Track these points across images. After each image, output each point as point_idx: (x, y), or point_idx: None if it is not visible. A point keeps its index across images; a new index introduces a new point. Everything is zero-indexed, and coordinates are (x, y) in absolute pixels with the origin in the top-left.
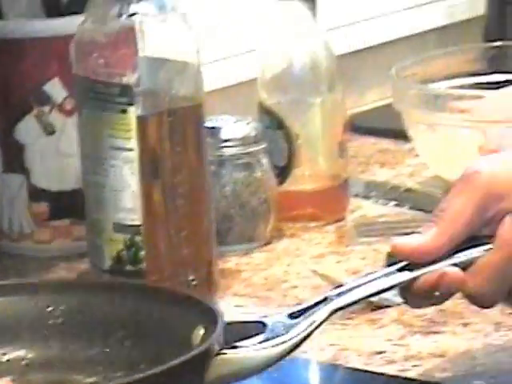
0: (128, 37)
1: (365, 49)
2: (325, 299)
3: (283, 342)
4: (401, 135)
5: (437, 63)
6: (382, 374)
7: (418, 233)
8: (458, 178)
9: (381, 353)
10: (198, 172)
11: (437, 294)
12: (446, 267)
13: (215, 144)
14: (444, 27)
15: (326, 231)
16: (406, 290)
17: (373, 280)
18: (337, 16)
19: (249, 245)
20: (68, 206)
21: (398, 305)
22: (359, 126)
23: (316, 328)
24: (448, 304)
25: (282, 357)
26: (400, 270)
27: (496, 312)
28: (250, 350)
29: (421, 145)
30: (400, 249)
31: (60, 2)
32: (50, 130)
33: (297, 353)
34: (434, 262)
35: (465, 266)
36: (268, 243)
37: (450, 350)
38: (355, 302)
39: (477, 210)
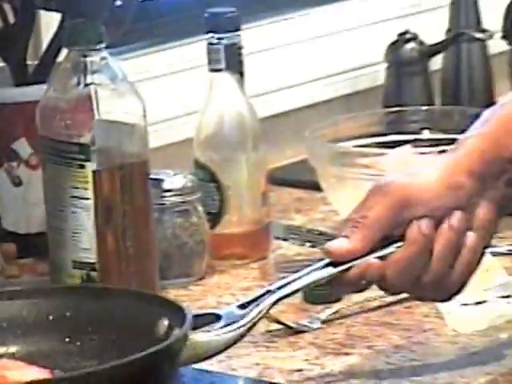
0: (85, 103)
1: (283, 113)
2: (268, 292)
3: (239, 327)
4: (314, 186)
5: (344, 126)
6: None
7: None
8: (372, 188)
9: (299, 370)
10: (144, 217)
11: (363, 282)
12: (370, 259)
13: (158, 194)
14: (349, 95)
15: (251, 268)
16: (336, 280)
17: (305, 274)
18: (260, 85)
19: (186, 279)
20: (33, 246)
21: (314, 330)
22: (279, 179)
23: (264, 315)
24: (355, 329)
25: (239, 339)
26: (325, 266)
27: (396, 336)
28: (214, 335)
29: (331, 194)
30: (334, 251)
31: (27, 73)
32: (17, 182)
33: (228, 370)
34: (356, 258)
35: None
36: (203, 278)
37: (357, 369)
38: (293, 293)
39: (391, 216)
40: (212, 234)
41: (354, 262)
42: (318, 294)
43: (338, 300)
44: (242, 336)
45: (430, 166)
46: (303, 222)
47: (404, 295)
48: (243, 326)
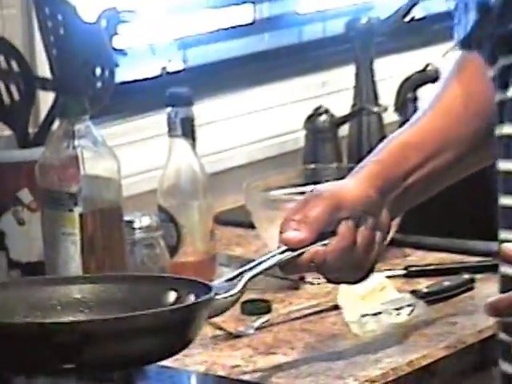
0: (73, 162)
1: (227, 169)
2: (243, 272)
3: (235, 294)
4: (250, 225)
5: (273, 179)
6: (240, 381)
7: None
8: (307, 196)
9: (237, 366)
10: (119, 249)
11: (312, 264)
12: (318, 246)
13: (130, 231)
14: (277, 155)
15: None
16: (292, 263)
17: (270, 258)
18: (209, 147)
19: None
20: (34, 272)
21: (249, 335)
22: (223, 220)
23: (245, 285)
24: (281, 335)
25: (235, 302)
26: (283, 252)
27: (313, 340)
28: (221, 298)
29: (263, 232)
30: (291, 239)
31: (28, 138)
32: (21, 222)
33: (182, 367)
34: (306, 246)
35: None
36: None
37: (282, 365)
38: (264, 271)
39: (326, 216)
40: (171, 262)
41: (305, 249)
42: (252, 308)
43: (268, 312)
44: (237, 299)
45: (350, 180)
46: (242, 252)
47: (320, 308)
48: (236, 293)
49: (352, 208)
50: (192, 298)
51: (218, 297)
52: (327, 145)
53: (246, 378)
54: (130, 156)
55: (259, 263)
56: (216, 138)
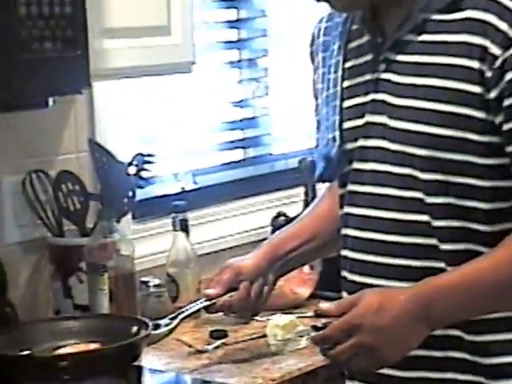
0: (107, 246)
1: (212, 252)
2: (178, 314)
3: (167, 329)
4: None
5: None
6: (202, 380)
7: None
8: (224, 266)
9: (198, 369)
10: (132, 299)
11: (223, 308)
12: (226, 297)
13: (146, 287)
14: (250, 243)
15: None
16: (209, 308)
17: (195, 305)
18: (200, 237)
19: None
20: (86, 311)
21: (210, 351)
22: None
23: (179, 323)
24: (230, 350)
25: (168, 334)
26: (203, 302)
27: (247, 354)
28: (156, 332)
29: None
30: (209, 294)
31: (85, 231)
32: (81, 281)
33: (169, 369)
34: (219, 296)
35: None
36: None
37: (229, 371)
38: (191, 314)
39: (231, 279)
40: (172, 306)
41: (217, 299)
42: (216, 334)
43: (225, 337)
44: (170, 332)
45: (251, 255)
46: None
47: (256, 335)
48: (169, 329)
49: (247, 274)
50: (142, 331)
51: (154, 332)
52: None
53: (206, 376)
54: (151, 243)
55: (190, 308)
56: (207, 233)
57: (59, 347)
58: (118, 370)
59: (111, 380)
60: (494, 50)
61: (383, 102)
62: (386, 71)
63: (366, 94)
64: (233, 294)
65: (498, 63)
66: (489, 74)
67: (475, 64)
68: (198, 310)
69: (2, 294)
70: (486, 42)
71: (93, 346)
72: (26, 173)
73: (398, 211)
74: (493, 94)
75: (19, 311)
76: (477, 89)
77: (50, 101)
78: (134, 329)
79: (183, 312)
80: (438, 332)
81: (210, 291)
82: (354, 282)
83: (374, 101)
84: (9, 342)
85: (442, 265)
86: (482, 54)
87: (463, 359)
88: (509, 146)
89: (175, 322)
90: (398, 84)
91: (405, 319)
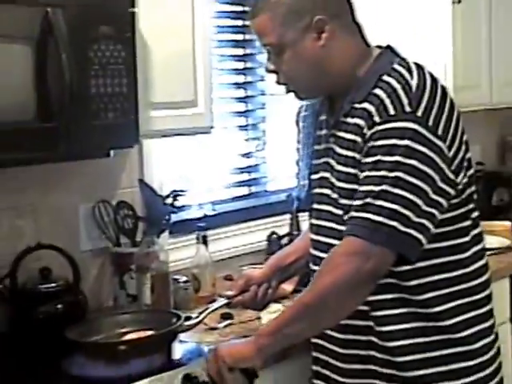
0: (151, 254)
1: (224, 259)
2: (205, 309)
3: (195, 322)
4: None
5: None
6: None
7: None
8: (240, 275)
9: (212, 343)
10: (167, 293)
11: (239, 304)
12: (240, 297)
13: (177, 283)
14: (251, 252)
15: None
16: (229, 305)
17: (219, 302)
18: (216, 248)
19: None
20: (135, 300)
21: (220, 328)
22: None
23: (204, 317)
24: (236, 329)
25: (195, 326)
26: (225, 300)
27: (247, 331)
28: (188, 323)
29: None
30: (227, 295)
31: (135, 244)
32: (132, 278)
33: (192, 340)
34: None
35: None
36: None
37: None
38: (214, 310)
39: (244, 284)
40: (196, 296)
41: (235, 298)
42: (225, 316)
43: (231, 318)
44: (196, 325)
45: (261, 268)
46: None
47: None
48: (195, 322)
49: (255, 280)
50: (179, 322)
51: (185, 323)
52: (278, 248)
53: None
54: (181, 252)
55: (213, 306)
56: (220, 245)
57: (122, 334)
58: (163, 348)
59: (159, 355)
60: (365, 129)
61: (329, 164)
62: (332, 143)
63: (322, 157)
64: (245, 294)
65: (366, 138)
66: (362, 145)
67: (358, 139)
68: (219, 307)
69: (76, 286)
70: (364, 124)
71: (148, 333)
72: (96, 202)
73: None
74: (360, 157)
75: (89, 298)
76: (358, 155)
77: (112, 153)
78: (174, 320)
79: (208, 308)
80: (355, 322)
81: (228, 293)
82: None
83: (326, 163)
84: (81, 332)
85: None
86: (361, 132)
87: (371, 341)
88: (360, 186)
89: (202, 315)
90: (335, 152)
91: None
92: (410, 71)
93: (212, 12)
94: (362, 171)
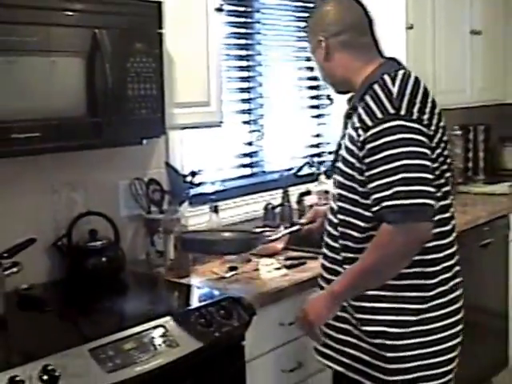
0: (175, 220)
1: (228, 224)
2: (285, 229)
3: (277, 237)
4: None
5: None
6: (221, 292)
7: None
8: (308, 212)
9: (221, 288)
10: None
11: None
12: (310, 225)
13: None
14: (251, 219)
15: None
16: (300, 231)
17: (294, 226)
18: (224, 215)
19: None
20: (161, 256)
21: (226, 277)
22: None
23: (283, 235)
24: (244, 277)
25: (273, 241)
26: (298, 225)
27: (242, 277)
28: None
29: None
30: (301, 222)
31: (171, 211)
32: (159, 238)
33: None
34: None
35: None
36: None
37: (231, 287)
38: (291, 232)
39: (313, 216)
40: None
41: (307, 226)
42: (231, 268)
43: (237, 269)
44: (274, 240)
45: (313, 211)
46: None
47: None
48: (277, 237)
49: (321, 214)
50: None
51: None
52: (272, 216)
53: (226, 291)
54: (198, 218)
55: (290, 228)
56: (228, 213)
57: None
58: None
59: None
60: (360, 131)
61: (343, 145)
62: (347, 128)
63: (342, 139)
64: (313, 223)
65: (362, 139)
66: (358, 144)
67: (355, 136)
68: (294, 231)
69: (117, 244)
70: (358, 126)
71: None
72: (131, 179)
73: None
74: (361, 154)
75: (126, 253)
76: (357, 150)
77: (144, 141)
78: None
79: (287, 229)
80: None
81: (302, 220)
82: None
83: (342, 144)
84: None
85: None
86: (357, 133)
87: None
88: (368, 183)
89: (280, 234)
90: (345, 135)
91: (319, 299)
92: (394, 80)
93: (222, 33)
94: (370, 169)
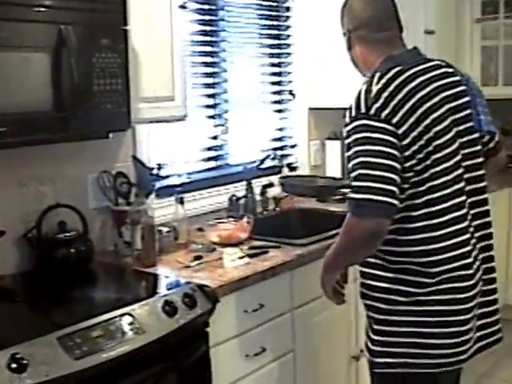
0: (141, 211)
1: (193, 215)
2: None
3: None
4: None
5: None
6: (187, 282)
7: None
8: None
9: (186, 277)
10: (153, 240)
11: None
12: None
13: (160, 233)
14: (216, 210)
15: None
16: None
17: None
18: (190, 208)
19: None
20: (129, 246)
21: (192, 266)
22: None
23: None
24: (202, 267)
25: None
26: None
27: (209, 268)
28: None
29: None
30: None
31: (129, 203)
32: (127, 229)
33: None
34: None
35: None
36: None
37: (196, 274)
38: None
39: None
40: (174, 243)
41: None
42: (197, 257)
43: (201, 259)
44: None
45: None
46: (201, 241)
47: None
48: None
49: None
50: None
51: None
52: (237, 207)
53: (192, 279)
54: (164, 210)
55: None
56: (193, 205)
57: None
58: None
59: None
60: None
61: None
62: None
63: None
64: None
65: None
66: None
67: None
68: None
69: (85, 235)
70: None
71: None
72: (99, 172)
73: None
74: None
75: (95, 244)
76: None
77: (111, 135)
78: None
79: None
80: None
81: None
82: None
83: None
84: None
85: None
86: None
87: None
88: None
89: None
90: None
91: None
92: (380, 79)
93: (187, 29)
94: (348, 159)
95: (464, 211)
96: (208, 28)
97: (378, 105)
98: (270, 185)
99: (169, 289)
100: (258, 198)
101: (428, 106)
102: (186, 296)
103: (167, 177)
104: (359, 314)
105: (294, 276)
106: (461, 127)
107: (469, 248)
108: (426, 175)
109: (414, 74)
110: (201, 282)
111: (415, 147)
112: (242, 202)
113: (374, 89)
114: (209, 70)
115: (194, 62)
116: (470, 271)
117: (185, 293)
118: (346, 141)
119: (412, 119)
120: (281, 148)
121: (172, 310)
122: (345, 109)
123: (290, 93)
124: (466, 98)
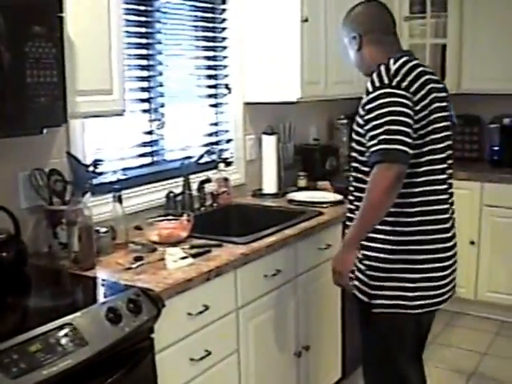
0: (77, 211)
1: (132, 212)
2: None
3: None
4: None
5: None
6: (127, 285)
7: None
8: None
9: (126, 280)
10: (90, 240)
11: None
12: None
13: (97, 234)
14: (162, 205)
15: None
16: None
17: None
18: (128, 204)
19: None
20: (65, 248)
21: (133, 268)
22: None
23: None
24: (144, 268)
25: None
26: None
27: (152, 271)
28: None
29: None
30: None
31: (65, 202)
32: (63, 229)
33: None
34: None
35: None
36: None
37: (135, 276)
38: None
39: None
40: (112, 243)
41: None
42: (137, 259)
43: (142, 260)
44: None
45: None
46: (140, 240)
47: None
48: None
49: None
50: None
51: None
52: (174, 204)
53: (133, 282)
54: (101, 208)
55: None
56: (131, 202)
57: None
58: None
59: None
60: (364, 96)
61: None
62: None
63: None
64: None
65: (363, 102)
66: (361, 112)
67: (360, 111)
68: None
69: (18, 237)
70: (364, 96)
71: None
72: (32, 170)
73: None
74: (363, 119)
75: (28, 246)
76: (362, 121)
77: (45, 130)
78: None
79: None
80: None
81: None
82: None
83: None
84: None
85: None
86: (363, 99)
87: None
88: (366, 137)
89: None
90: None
91: (339, 253)
92: (395, 62)
93: (122, 21)
94: (366, 124)
95: (446, 175)
96: (143, 19)
97: (398, 78)
98: (208, 180)
99: (110, 294)
100: (195, 194)
101: (430, 87)
102: (131, 302)
103: (103, 174)
104: (299, 313)
105: (237, 275)
106: (444, 113)
107: (447, 198)
108: (427, 139)
109: (418, 65)
110: (144, 285)
111: (421, 114)
112: (179, 198)
113: (393, 68)
114: (144, 62)
115: (128, 54)
116: (447, 215)
117: (129, 298)
118: (368, 106)
119: (423, 92)
120: (216, 143)
121: (116, 317)
122: (278, 103)
123: (226, 87)
124: (448, 103)
